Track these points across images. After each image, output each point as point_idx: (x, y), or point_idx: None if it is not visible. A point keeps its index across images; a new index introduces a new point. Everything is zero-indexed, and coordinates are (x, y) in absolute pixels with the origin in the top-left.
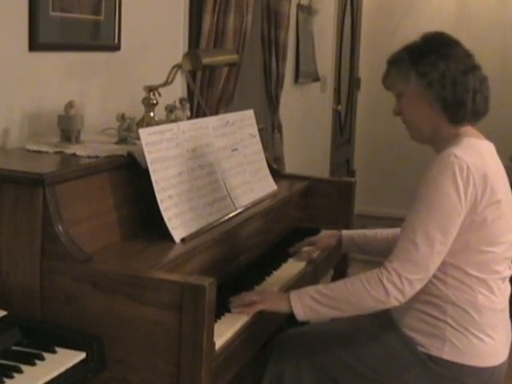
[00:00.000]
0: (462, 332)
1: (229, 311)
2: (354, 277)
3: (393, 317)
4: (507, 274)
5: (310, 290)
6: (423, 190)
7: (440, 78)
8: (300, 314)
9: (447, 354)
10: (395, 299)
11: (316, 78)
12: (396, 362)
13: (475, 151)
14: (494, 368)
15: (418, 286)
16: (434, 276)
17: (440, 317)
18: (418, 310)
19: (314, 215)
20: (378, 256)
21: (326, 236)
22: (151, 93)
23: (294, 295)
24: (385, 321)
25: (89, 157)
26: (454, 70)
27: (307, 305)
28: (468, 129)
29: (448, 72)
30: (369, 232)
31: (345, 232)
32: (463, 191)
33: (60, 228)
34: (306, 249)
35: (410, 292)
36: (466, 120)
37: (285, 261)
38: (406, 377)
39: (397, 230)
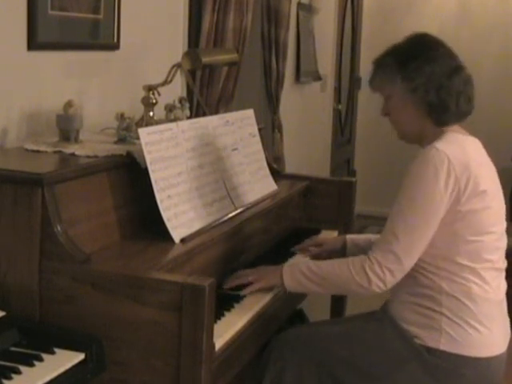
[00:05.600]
0: (457, 322)
1: (228, 310)
2: (343, 260)
3: (389, 311)
4: (501, 265)
5: (301, 265)
6: (406, 183)
7: (425, 82)
8: (289, 286)
9: (444, 345)
10: (377, 286)
11: (316, 78)
12: (394, 355)
13: (456, 144)
14: (490, 359)
15: (400, 276)
16: (427, 269)
17: (435, 308)
18: (413, 302)
19: (314, 215)
20: None
21: (333, 239)
22: (151, 92)
23: (286, 269)
24: (381, 316)
25: (88, 156)
26: (439, 73)
27: (296, 278)
28: (453, 127)
29: (433, 76)
30: (373, 237)
31: (349, 236)
32: (444, 184)
33: (59, 228)
34: (312, 249)
35: (391, 281)
36: (450, 122)
37: (285, 261)
38: (404, 369)
39: None
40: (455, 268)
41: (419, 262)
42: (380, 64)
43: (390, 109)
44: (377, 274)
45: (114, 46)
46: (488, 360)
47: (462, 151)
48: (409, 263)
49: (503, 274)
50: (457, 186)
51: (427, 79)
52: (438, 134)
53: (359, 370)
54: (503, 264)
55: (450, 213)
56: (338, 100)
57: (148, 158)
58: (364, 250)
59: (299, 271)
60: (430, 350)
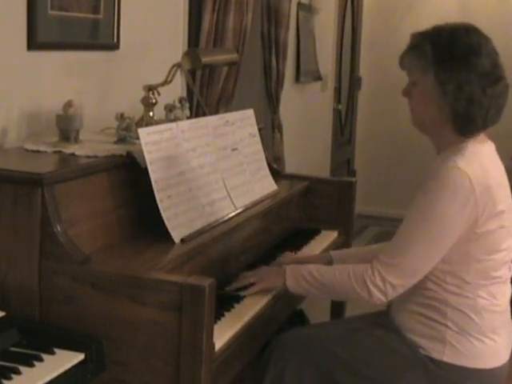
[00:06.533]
0: (462, 335)
1: (228, 311)
2: (345, 267)
3: (393, 319)
4: (507, 276)
5: (303, 269)
6: (423, 198)
7: (456, 90)
8: (291, 287)
9: (448, 357)
10: (377, 299)
11: (316, 77)
12: (397, 363)
13: (478, 161)
14: (495, 369)
15: (402, 291)
16: (434, 282)
17: (440, 320)
18: (418, 313)
19: (314, 215)
20: None
21: (316, 258)
22: (150, 92)
23: (289, 272)
24: (385, 322)
25: (88, 156)
26: (474, 84)
27: (299, 283)
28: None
29: (467, 85)
30: (360, 248)
31: (334, 253)
32: (462, 207)
33: (59, 228)
34: None
35: (392, 295)
36: (473, 134)
37: None
38: (407, 378)
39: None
40: (463, 284)
41: (427, 274)
42: (416, 46)
43: (412, 93)
44: (378, 287)
45: (114, 46)
46: (493, 370)
47: (483, 169)
48: (412, 280)
49: (508, 281)
50: (475, 209)
51: (459, 87)
52: (456, 142)
53: (360, 374)
54: (509, 273)
55: (466, 234)
56: (338, 100)
57: (148, 158)
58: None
59: (301, 276)
60: (434, 361)
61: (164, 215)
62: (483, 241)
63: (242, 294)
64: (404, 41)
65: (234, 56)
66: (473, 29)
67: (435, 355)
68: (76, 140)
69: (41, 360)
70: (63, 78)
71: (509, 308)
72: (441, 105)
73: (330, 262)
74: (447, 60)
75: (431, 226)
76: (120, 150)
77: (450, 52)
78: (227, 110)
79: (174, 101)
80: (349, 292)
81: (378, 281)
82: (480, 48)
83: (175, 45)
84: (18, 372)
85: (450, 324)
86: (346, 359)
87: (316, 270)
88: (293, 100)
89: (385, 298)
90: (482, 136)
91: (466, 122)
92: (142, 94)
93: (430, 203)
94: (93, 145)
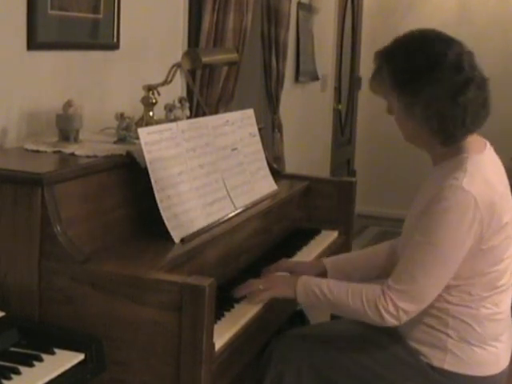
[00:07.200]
0: (463, 343)
1: (228, 311)
2: (357, 290)
3: (395, 327)
4: (510, 282)
5: (314, 285)
6: (427, 221)
7: (424, 109)
8: (302, 302)
9: (449, 364)
10: (390, 323)
11: (316, 77)
12: (398, 369)
13: (480, 175)
14: (496, 376)
15: (414, 314)
16: (439, 294)
17: (441, 329)
18: (419, 321)
19: (315, 215)
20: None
21: (307, 266)
22: (150, 92)
23: (300, 286)
24: (387, 329)
25: (87, 156)
26: (441, 98)
27: (309, 298)
28: (466, 142)
29: (434, 103)
30: (352, 254)
31: (327, 260)
32: (468, 228)
33: (58, 228)
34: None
35: (405, 319)
36: (458, 141)
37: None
38: None
39: (385, 246)
40: (467, 296)
41: None
42: (377, 68)
43: (393, 112)
44: (390, 313)
45: (114, 46)
46: (494, 377)
47: (487, 184)
48: (424, 304)
49: (510, 288)
50: (480, 227)
51: (426, 106)
52: (452, 153)
53: (360, 378)
54: (511, 278)
55: (471, 251)
56: (338, 100)
57: (148, 158)
58: (349, 274)
59: (312, 291)
60: (435, 369)
61: (164, 215)
62: (489, 255)
63: (252, 302)
64: None
65: (233, 56)
66: (430, 37)
67: (436, 363)
68: (76, 140)
69: (41, 360)
70: (63, 78)
71: (509, 314)
72: (416, 123)
73: (323, 273)
74: (406, 81)
75: (439, 250)
76: (120, 149)
77: (407, 73)
78: (227, 109)
79: (174, 101)
80: (361, 316)
81: (390, 308)
82: (439, 59)
83: (175, 45)
84: (17, 372)
85: (451, 333)
86: (346, 362)
87: (327, 287)
88: (293, 100)
89: (398, 322)
90: (478, 140)
91: (445, 136)
92: (142, 93)
93: (435, 227)
94: (93, 145)
